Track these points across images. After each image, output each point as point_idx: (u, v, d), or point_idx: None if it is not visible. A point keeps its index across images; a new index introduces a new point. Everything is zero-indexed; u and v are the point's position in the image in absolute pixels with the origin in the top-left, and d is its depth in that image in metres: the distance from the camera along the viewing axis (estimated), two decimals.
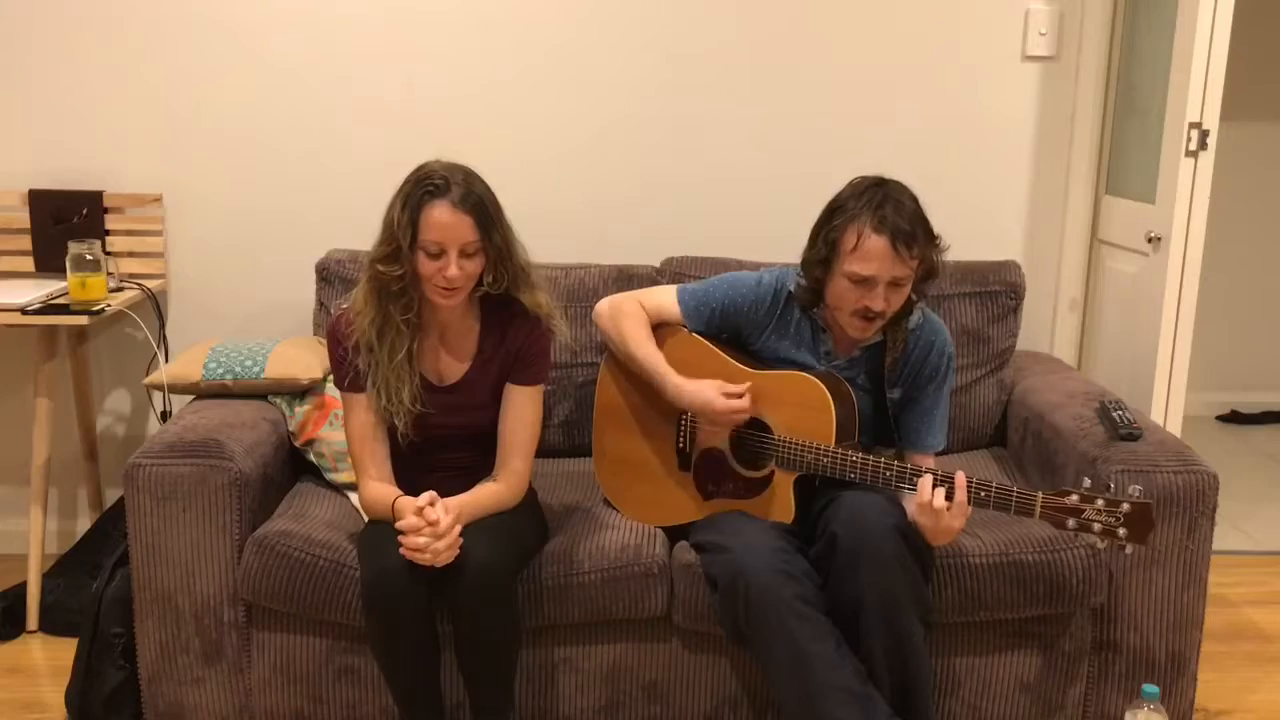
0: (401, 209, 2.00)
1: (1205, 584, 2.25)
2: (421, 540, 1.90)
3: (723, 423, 2.19)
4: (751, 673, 2.23)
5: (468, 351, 2.15)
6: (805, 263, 2.19)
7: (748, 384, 2.16)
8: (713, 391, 2.16)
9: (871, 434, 2.27)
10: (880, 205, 2.06)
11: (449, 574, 1.96)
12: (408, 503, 1.98)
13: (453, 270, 1.99)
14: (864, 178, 2.15)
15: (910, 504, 2.03)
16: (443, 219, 1.98)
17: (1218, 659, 2.67)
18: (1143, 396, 2.72)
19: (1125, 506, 1.88)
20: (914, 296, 2.20)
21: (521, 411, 2.15)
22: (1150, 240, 2.75)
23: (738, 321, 2.29)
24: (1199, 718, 2.43)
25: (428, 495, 1.98)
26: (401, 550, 1.92)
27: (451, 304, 2.06)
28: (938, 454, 2.30)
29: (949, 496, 1.96)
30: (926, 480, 1.98)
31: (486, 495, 2.08)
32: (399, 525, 1.94)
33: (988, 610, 2.17)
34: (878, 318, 2.12)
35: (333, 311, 2.13)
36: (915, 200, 2.11)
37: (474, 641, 2.02)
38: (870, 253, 2.05)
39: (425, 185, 2.00)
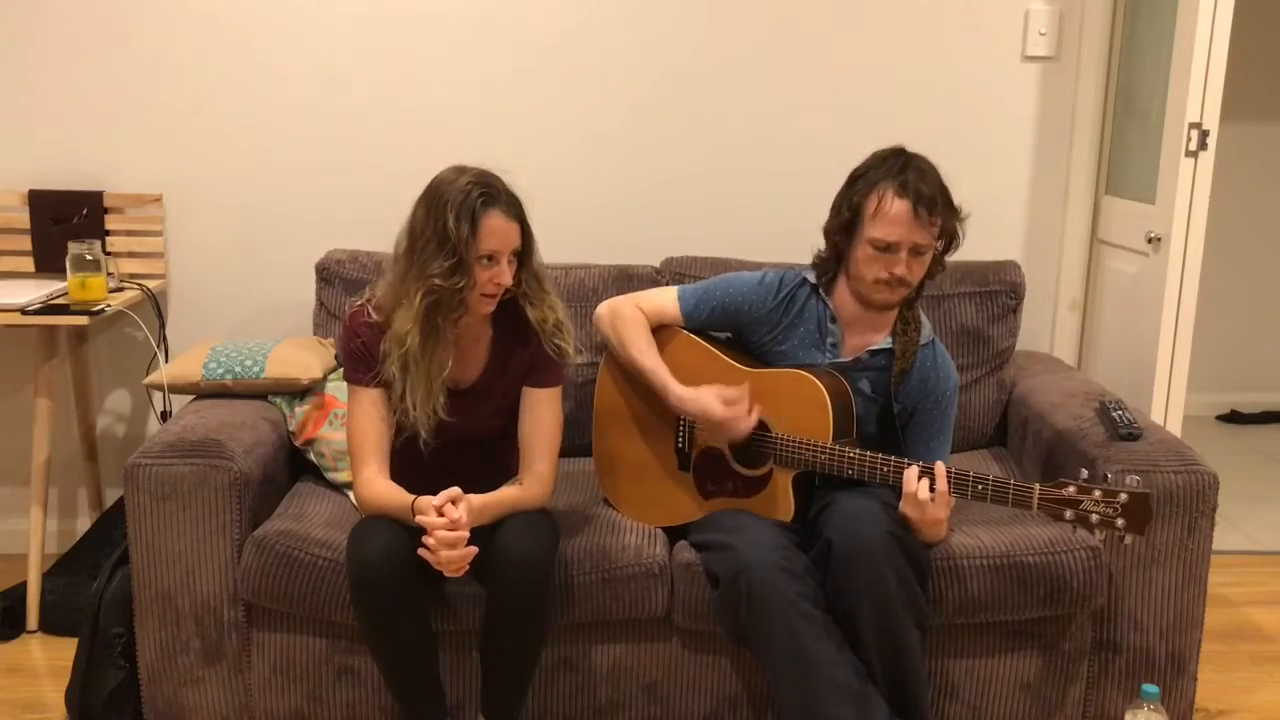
0: (457, 220, 1.95)
1: (1205, 584, 2.25)
2: (441, 534, 1.89)
3: (728, 431, 2.15)
4: (751, 673, 2.23)
5: (481, 356, 2.15)
6: (827, 231, 2.20)
7: (746, 385, 2.15)
8: (711, 399, 2.14)
9: (877, 445, 2.22)
10: (902, 170, 2.10)
11: (489, 564, 1.96)
12: (427, 502, 1.96)
13: (506, 277, 2.01)
14: (886, 148, 2.18)
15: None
16: (500, 227, 1.99)
17: (1218, 659, 2.67)
18: (1143, 396, 2.72)
19: (1123, 497, 1.88)
20: (938, 267, 2.20)
21: (540, 414, 2.15)
22: (1150, 240, 2.75)
23: (739, 319, 2.29)
24: (1199, 718, 2.43)
25: (450, 492, 1.96)
26: (420, 552, 1.91)
27: (492, 308, 2.07)
28: None
29: (932, 488, 2.00)
30: (912, 471, 2.02)
31: (509, 496, 2.07)
32: (423, 523, 1.92)
33: (988, 612, 2.17)
34: (902, 284, 2.13)
35: (348, 308, 2.12)
36: (936, 170, 2.14)
37: (506, 634, 2.01)
38: (893, 217, 2.08)
39: (480, 193, 1.97)
